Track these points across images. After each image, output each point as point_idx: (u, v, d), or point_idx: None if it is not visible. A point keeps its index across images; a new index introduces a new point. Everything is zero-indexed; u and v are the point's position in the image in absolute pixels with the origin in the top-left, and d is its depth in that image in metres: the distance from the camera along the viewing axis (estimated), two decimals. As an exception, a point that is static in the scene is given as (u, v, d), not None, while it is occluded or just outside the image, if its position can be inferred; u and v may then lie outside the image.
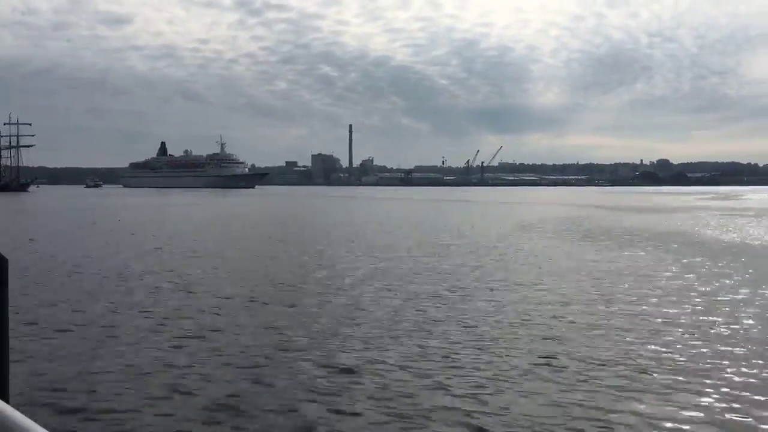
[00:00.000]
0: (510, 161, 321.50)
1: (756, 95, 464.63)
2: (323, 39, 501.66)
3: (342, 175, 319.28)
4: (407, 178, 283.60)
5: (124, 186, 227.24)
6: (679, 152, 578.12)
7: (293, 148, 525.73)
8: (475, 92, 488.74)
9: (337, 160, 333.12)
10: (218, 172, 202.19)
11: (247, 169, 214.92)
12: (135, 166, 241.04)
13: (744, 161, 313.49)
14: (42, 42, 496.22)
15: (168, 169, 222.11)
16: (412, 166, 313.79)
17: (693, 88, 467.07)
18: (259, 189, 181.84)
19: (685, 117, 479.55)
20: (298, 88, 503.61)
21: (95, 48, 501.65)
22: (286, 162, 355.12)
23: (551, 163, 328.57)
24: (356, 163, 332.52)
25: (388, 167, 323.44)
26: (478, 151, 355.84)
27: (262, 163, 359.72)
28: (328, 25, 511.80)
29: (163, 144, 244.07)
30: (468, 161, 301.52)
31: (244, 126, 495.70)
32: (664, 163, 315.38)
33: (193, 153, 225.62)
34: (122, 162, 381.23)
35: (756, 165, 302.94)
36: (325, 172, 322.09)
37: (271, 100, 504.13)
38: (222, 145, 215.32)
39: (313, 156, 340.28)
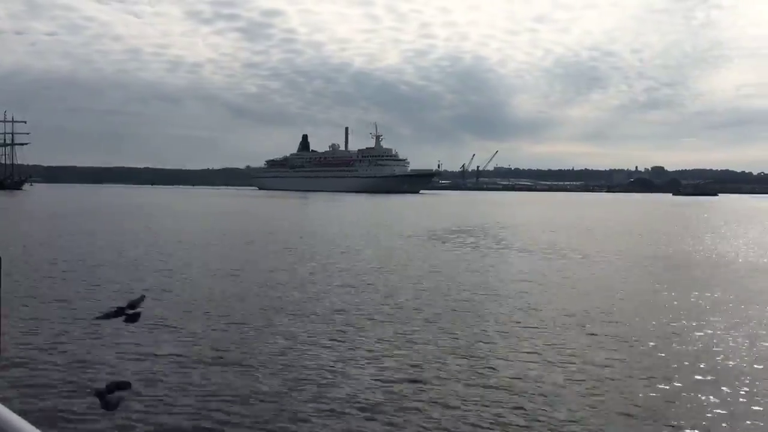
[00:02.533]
0: (505, 166, 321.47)
1: (712, 108, 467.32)
2: (278, 46, 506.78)
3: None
4: None
5: (260, 188, 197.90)
6: (671, 160, 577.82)
7: (282, 150, 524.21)
8: (440, 98, 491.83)
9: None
10: (373, 171, 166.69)
11: (408, 169, 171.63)
12: (272, 163, 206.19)
13: (738, 169, 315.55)
14: (6, 45, 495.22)
15: (310, 168, 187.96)
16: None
17: (649, 98, 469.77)
18: (426, 194, 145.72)
19: (656, 128, 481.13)
20: (269, 92, 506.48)
21: (60, 51, 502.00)
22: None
23: (546, 169, 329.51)
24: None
25: None
26: (473, 155, 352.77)
27: (255, 164, 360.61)
28: (277, 34, 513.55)
29: (305, 137, 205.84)
30: (463, 165, 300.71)
31: (226, 127, 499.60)
32: (658, 170, 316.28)
33: (340, 148, 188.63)
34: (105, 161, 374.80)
35: (750, 173, 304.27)
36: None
37: (246, 103, 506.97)
38: (377, 138, 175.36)
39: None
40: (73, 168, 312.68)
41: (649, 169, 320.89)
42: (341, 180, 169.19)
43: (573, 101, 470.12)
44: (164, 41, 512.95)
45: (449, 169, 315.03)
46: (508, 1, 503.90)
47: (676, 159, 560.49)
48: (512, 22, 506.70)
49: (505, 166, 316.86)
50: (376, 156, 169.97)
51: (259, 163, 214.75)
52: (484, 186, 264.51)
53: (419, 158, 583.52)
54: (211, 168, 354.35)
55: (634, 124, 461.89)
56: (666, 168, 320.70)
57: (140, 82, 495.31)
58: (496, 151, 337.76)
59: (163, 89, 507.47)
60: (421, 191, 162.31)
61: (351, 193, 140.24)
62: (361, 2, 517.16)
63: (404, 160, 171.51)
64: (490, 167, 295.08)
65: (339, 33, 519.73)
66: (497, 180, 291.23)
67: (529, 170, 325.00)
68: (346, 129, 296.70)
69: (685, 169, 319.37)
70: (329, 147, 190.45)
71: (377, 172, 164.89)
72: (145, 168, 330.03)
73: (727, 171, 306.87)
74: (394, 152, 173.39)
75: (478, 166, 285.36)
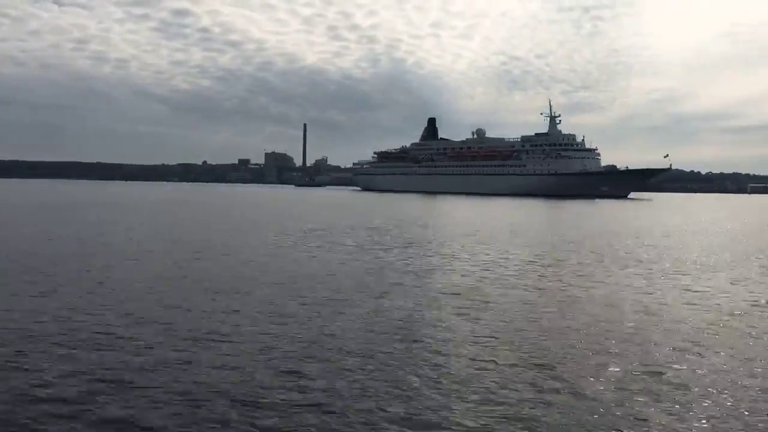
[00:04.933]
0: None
1: (634, 112, 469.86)
2: (197, 44, 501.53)
3: (295, 174, 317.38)
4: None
5: (364, 188, 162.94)
6: (622, 159, 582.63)
7: (234, 146, 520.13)
8: (370, 97, 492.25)
9: (290, 159, 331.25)
10: (551, 166, 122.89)
11: (602, 164, 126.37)
12: (384, 156, 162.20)
13: (687, 169, 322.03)
14: None
15: (445, 162, 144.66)
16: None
17: (569, 101, 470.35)
18: (638, 199, 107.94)
19: (593, 129, 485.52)
20: (202, 89, 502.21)
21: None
22: (239, 160, 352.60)
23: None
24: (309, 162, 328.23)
25: (342, 167, 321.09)
26: None
27: (212, 160, 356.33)
28: (193, 33, 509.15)
29: (431, 122, 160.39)
30: None
31: (167, 123, 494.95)
32: (611, 170, 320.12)
33: (486, 134, 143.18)
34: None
35: (699, 173, 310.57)
36: (278, 170, 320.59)
37: (181, 99, 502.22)
38: (552, 119, 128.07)
39: (266, 154, 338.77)
40: (22, 162, 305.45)
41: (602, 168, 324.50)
42: (499, 178, 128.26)
43: (498, 102, 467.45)
44: (81, 35, 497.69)
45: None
46: (401, 8, 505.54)
47: (626, 159, 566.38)
48: (412, 27, 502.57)
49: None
50: (554, 145, 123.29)
51: (217, 159, 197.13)
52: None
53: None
54: (167, 164, 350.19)
55: (568, 126, 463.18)
56: (618, 167, 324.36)
57: (71, 77, 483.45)
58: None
59: (95, 84, 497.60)
60: (631, 195, 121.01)
61: (513, 197, 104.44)
62: (263, 5, 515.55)
63: (594, 150, 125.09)
64: None
65: (253, 34, 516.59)
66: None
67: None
68: (305, 125, 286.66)
69: (638, 168, 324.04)
70: (473, 134, 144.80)
71: (559, 167, 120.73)
72: (97, 163, 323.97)
73: (677, 170, 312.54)
74: (581, 139, 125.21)
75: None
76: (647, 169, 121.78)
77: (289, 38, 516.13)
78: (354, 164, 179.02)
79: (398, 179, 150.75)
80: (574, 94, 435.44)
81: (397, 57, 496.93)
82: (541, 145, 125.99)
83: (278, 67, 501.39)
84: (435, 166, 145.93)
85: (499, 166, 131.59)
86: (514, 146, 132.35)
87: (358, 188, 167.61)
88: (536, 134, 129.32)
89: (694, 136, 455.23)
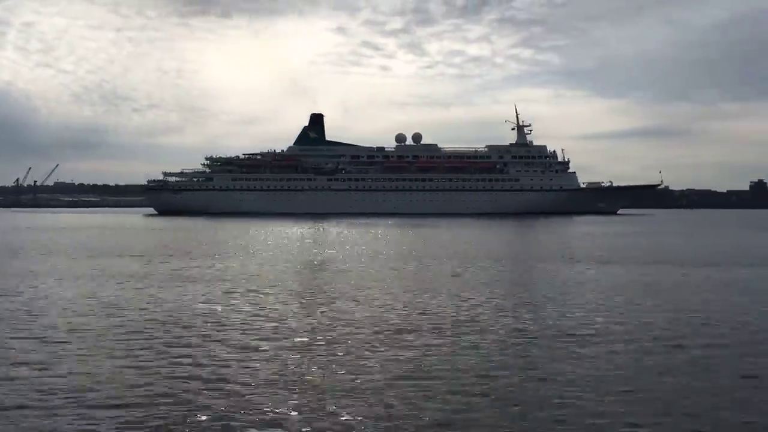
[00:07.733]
0: (68, 181, 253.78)
1: (215, 132, 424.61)
2: None
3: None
4: None
5: (162, 210, 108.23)
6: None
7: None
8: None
9: None
10: (552, 181, 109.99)
11: (581, 181, 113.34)
12: (245, 164, 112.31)
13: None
14: None
15: (378, 174, 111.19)
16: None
17: (143, 118, 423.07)
18: (628, 216, 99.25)
19: None
20: None
21: None
22: None
23: (113, 184, 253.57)
24: None
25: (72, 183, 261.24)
26: (29, 168, 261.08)
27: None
28: None
29: (316, 119, 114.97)
30: (17, 180, 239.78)
31: None
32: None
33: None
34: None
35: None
36: None
37: None
38: (522, 129, 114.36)
39: None
40: None
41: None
42: (479, 195, 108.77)
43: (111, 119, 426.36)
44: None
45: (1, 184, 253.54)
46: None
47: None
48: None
49: (68, 180, 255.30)
50: (534, 157, 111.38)
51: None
52: (49, 202, 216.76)
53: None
54: None
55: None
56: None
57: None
58: (57, 165, 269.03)
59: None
60: (620, 211, 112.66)
61: (499, 216, 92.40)
62: None
63: (568, 161, 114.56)
64: (50, 182, 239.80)
65: None
66: (59, 196, 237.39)
67: (96, 185, 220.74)
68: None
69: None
70: (398, 141, 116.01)
71: (564, 182, 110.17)
72: None
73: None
74: (551, 150, 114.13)
75: (35, 181, 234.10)
76: (643, 186, 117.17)
77: None
78: (166, 174, 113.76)
79: (273, 197, 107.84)
80: (146, 112, 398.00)
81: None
82: (523, 157, 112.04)
83: None
84: (359, 179, 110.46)
85: (478, 180, 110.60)
86: (490, 157, 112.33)
87: (154, 211, 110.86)
88: (511, 144, 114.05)
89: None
